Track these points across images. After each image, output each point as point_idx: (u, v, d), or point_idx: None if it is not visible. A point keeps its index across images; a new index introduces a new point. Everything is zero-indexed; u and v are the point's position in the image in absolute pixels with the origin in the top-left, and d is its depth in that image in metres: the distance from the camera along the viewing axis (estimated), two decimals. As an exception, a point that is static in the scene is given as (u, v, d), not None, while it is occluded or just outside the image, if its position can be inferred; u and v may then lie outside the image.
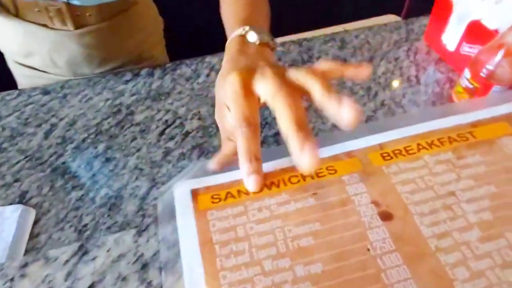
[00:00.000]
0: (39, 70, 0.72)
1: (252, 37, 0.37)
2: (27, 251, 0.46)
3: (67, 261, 0.30)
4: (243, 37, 0.38)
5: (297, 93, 0.28)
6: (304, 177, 0.28)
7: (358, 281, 0.21)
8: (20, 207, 0.48)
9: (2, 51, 0.73)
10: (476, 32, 0.60)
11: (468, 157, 0.27)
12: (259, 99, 0.30)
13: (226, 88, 0.30)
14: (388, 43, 0.76)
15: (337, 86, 0.66)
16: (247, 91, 0.29)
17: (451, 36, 0.67)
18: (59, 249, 0.30)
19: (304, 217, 0.25)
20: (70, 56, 0.68)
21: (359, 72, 0.28)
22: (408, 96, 0.64)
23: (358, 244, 0.23)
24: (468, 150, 0.28)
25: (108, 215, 0.49)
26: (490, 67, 0.52)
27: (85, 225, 0.48)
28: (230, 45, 0.38)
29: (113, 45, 0.71)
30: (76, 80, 0.68)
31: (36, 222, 0.48)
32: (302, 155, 0.25)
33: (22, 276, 0.30)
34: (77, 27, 0.64)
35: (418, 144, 0.29)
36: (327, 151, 0.30)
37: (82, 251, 0.31)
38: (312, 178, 0.28)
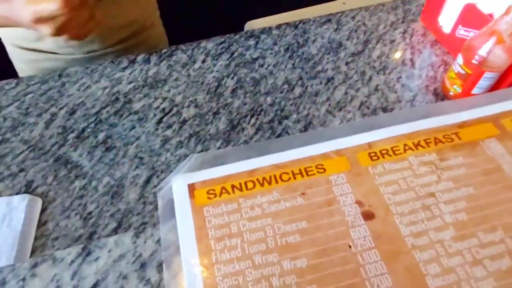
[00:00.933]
0: (47, 52, 0.72)
1: None
2: (36, 239, 0.48)
3: (72, 261, 0.33)
4: None
5: None
6: (294, 175, 0.30)
7: (339, 274, 0.24)
8: (27, 196, 0.51)
9: (3, 40, 0.73)
10: (471, 15, 0.60)
11: (451, 159, 0.29)
12: None
13: None
14: (385, 24, 0.75)
15: (332, 70, 0.67)
16: None
17: (447, 18, 0.67)
18: (65, 250, 0.33)
19: (292, 216, 0.27)
20: None
21: None
22: (402, 80, 0.65)
23: (340, 242, 0.25)
24: (451, 151, 0.29)
25: (111, 203, 0.51)
26: (482, 53, 0.52)
27: (90, 213, 0.51)
28: None
29: (123, 14, 0.72)
30: (73, 68, 0.68)
31: (43, 210, 0.51)
32: None
33: (33, 276, 0.33)
34: None
35: (405, 145, 0.30)
36: (318, 148, 0.32)
37: (86, 252, 0.33)
38: (302, 176, 0.30)
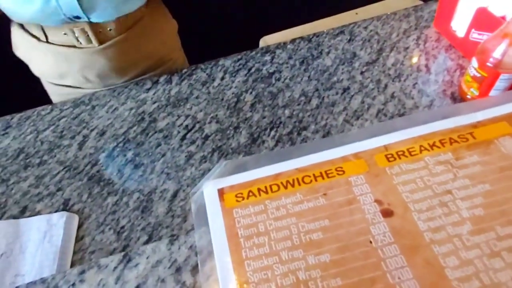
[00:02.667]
0: (73, 87, 0.77)
1: None
2: (74, 253, 0.51)
3: (115, 267, 0.36)
4: None
5: None
6: (316, 177, 0.32)
7: (361, 268, 0.25)
8: (65, 213, 0.54)
9: (37, 74, 0.79)
10: (484, 19, 0.61)
11: (466, 157, 0.30)
12: None
13: None
14: (397, 32, 0.77)
15: (347, 80, 0.68)
16: None
17: (460, 22, 0.68)
18: (108, 258, 0.36)
19: (315, 215, 0.29)
20: (100, 70, 0.74)
21: None
22: (419, 86, 0.66)
23: (361, 238, 0.26)
24: (467, 151, 0.30)
25: (142, 217, 0.54)
26: (496, 56, 0.53)
27: (123, 227, 0.53)
28: None
29: (135, 53, 0.76)
30: (101, 92, 0.73)
31: (79, 226, 0.54)
32: None
33: (81, 281, 0.36)
34: (101, 42, 0.69)
35: (421, 146, 0.31)
36: (337, 152, 0.33)
37: (127, 259, 0.36)
38: (323, 178, 0.31)
